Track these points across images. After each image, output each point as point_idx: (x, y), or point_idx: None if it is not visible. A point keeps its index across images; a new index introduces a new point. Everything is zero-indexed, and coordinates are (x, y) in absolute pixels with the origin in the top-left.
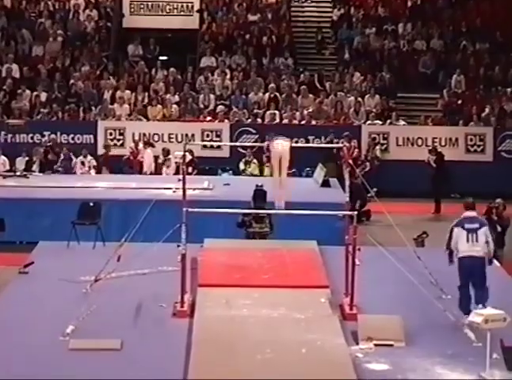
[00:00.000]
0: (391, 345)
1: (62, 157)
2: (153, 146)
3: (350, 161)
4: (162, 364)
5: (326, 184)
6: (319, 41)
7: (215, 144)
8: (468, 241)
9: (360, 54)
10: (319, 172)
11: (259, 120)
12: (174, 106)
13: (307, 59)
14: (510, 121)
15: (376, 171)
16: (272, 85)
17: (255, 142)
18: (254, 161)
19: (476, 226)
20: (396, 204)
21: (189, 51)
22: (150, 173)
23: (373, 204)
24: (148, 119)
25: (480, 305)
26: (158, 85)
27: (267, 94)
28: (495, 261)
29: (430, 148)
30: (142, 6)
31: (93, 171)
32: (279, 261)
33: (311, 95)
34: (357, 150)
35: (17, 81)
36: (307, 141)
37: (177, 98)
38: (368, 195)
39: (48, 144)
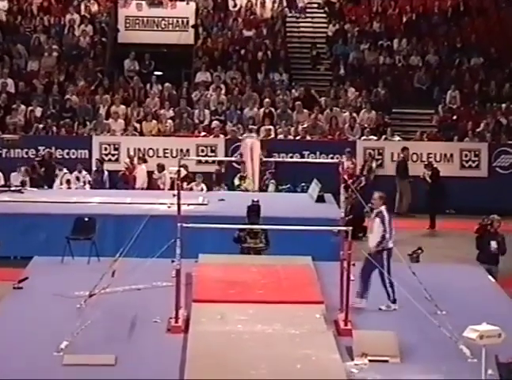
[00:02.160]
0: (386, 361)
1: (94, 168)
2: (146, 161)
3: (346, 177)
4: None
5: (321, 199)
6: (314, 57)
7: (210, 159)
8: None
9: (355, 69)
10: (314, 188)
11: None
12: (169, 121)
13: (302, 75)
14: (505, 137)
15: (371, 186)
16: (267, 100)
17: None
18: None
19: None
20: None
21: (184, 67)
22: (143, 189)
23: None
24: (143, 134)
25: None
26: (153, 100)
27: (262, 109)
28: (490, 277)
29: (426, 163)
30: (137, 21)
31: (87, 186)
32: (274, 277)
33: (305, 110)
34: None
35: (12, 96)
36: (302, 156)
37: (172, 113)
38: (364, 210)
39: (37, 159)
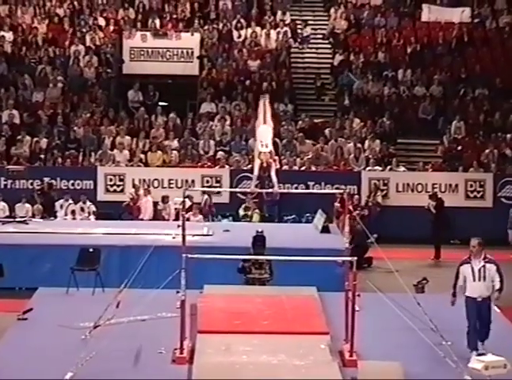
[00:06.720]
0: None
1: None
2: (150, 192)
3: (350, 207)
4: None
5: (326, 230)
6: (319, 87)
7: (214, 190)
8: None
9: (359, 100)
10: (319, 218)
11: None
12: (174, 152)
13: (307, 105)
14: (510, 167)
15: (376, 217)
16: None
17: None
18: (257, 211)
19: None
20: (396, 250)
21: (188, 97)
22: (149, 220)
23: (374, 250)
24: (148, 165)
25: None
26: (158, 131)
27: None
28: (495, 307)
29: (431, 193)
30: (142, 52)
31: (92, 217)
32: (279, 307)
33: (308, 141)
34: (356, 196)
35: (17, 127)
36: (307, 187)
37: (176, 144)
38: (369, 241)
39: (38, 190)
